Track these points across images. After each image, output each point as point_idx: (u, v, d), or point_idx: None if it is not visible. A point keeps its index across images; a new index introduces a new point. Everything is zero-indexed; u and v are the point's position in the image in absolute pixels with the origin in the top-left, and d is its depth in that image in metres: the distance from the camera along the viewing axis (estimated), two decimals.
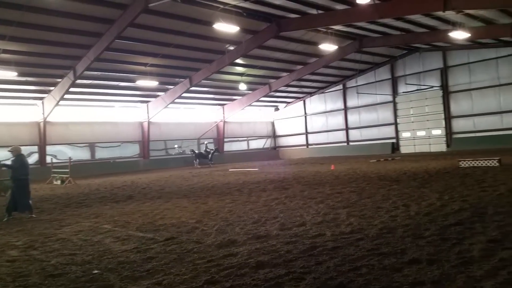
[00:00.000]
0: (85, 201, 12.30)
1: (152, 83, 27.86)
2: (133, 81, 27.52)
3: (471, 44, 28.56)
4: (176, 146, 36.44)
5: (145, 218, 8.43)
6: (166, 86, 30.51)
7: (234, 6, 19.68)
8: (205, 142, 35.15)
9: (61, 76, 25.03)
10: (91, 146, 32.31)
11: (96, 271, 4.80)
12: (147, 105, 33.27)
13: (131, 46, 22.95)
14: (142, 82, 27.46)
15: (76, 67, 23.72)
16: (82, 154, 31.61)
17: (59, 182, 20.45)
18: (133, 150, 34.37)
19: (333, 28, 24.44)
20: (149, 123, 33.68)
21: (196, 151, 33.57)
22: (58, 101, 26.75)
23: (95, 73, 25.23)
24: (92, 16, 19.24)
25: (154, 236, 6.51)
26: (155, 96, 32.25)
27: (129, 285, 4.27)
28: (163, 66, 26.88)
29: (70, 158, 21.92)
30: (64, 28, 19.73)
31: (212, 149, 33.74)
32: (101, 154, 32.71)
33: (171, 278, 4.37)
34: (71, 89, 25.80)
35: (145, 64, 25.50)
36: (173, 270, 4.65)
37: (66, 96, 26.74)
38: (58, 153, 29.69)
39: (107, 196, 13.38)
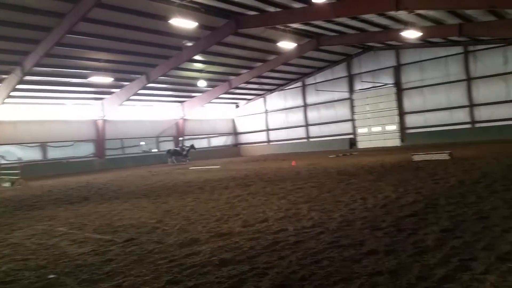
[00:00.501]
0: (38, 203, 11.69)
1: (107, 79, 26.94)
2: (85, 77, 26.44)
3: (423, 43, 29.87)
4: (142, 143, 35.73)
5: (103, 219, 8.13)
6: (122, 82, 29.60)
7: (192, 1, 19.43)
8: (181, 139, 34.63)
9: (7, 72, 23.66)
10: (43, 146, 30.83)
11: (52, 276, 4.57)
12: (102, 102, 32.12)
13: (83, 41, 22.06)
14: (95, 79, 26.45)
15: (24, 63, 22.51)
16: (32, 154, 30.12)
17: (8, 184, 19.37)
18: (87, 150, 33.14)
19: (291, 26, 24.73)
20: (104, 121, 32.57)
21: (171, 148, 33.04)
22: (4, 99, 25.29)
23: (45, 69, 24.05)
24: (41, 9, 18.29)
25: (112, 238, 6.29)
26: (110, 93, 31.19)
27: None
28: (118, 62, 26.06)
29: (19, 159, 20.82)
30: (10, 21, 18.64)
31: (187, 146, 33.31)
32: (53, 154, 31.30)
33: (131, 279, 4.24)
34: (19, 86, 24.48)
35: (98, 60, 24.62)
36: (133, 271, 4.52)
37: (13, 93, 25.34)
38: (6, 153, 28.13)
39: (61, 197, 12.79)
